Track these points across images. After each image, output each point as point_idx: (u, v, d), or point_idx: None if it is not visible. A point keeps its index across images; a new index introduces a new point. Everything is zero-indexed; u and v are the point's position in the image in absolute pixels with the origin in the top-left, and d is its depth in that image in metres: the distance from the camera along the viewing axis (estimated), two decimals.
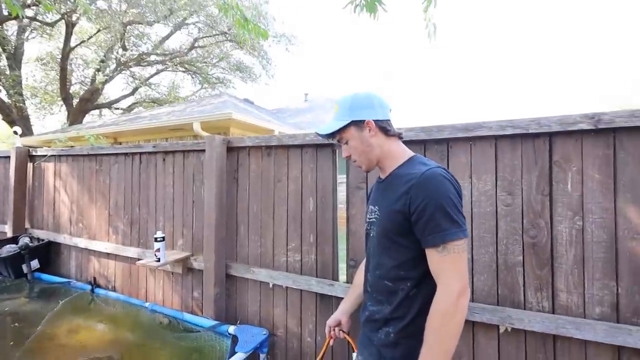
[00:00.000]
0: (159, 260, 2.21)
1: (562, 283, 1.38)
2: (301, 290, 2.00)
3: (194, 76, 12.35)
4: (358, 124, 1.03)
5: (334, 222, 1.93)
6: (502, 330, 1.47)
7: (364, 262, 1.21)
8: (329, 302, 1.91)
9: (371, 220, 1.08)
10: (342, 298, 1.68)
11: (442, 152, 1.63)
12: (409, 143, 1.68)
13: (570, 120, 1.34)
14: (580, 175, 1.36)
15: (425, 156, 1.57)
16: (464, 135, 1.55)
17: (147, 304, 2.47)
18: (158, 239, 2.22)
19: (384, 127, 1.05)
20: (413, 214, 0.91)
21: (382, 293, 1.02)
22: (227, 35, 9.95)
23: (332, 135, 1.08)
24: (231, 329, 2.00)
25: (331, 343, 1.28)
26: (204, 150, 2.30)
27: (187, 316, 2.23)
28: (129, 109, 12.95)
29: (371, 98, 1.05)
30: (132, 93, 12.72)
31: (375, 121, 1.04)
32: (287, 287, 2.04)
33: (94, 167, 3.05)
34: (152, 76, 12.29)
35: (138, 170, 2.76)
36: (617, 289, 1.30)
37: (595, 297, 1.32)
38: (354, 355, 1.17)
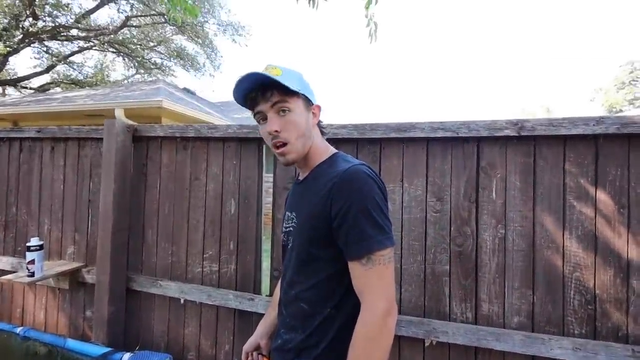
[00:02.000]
0: (32, 274, 1.74)
1: (485, 293, 1.35)
2: (218, 306, 1.72)
3: (127, 59, 10.96)
4: (307, 101, 0.82)
5: (258, 227, 1.70)
6: (427, 344, 1.39)
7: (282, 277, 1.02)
8: (249, 319, 1.67)
9: (288, 229, 0.89)
10: (263, 314, 1.46)
11: (374, 153, 1.51)
12: (340, 142, 1.54)
13: (497, 126, 1.31)
14: (504, 183, 1.34)
15: (357, 157, 1.44)
16: (397, 135, 1.45)
17: (19, 329, 1.95)
18: (32, 248, 1.74)
19: (320, 120, 0.88)
20: (335, 218, 0.74)
21: (295, 317, 0.84)
22: (166, 17, 9.01)
23: (272, 88, 0.74)
24: (126, 357, 1.64)
25: None
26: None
27: (71, 343, 1.79)
28: (42, 89, 11.00)
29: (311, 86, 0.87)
30: (47, 71, 10.82)
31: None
32: (201, 303, 1.75)
33: None
34: (73, 54, 10.58)
35: (17, 160, 2.19)
36: (533, 298, 1.29)
37: (514, 307, 1.31)
38: None
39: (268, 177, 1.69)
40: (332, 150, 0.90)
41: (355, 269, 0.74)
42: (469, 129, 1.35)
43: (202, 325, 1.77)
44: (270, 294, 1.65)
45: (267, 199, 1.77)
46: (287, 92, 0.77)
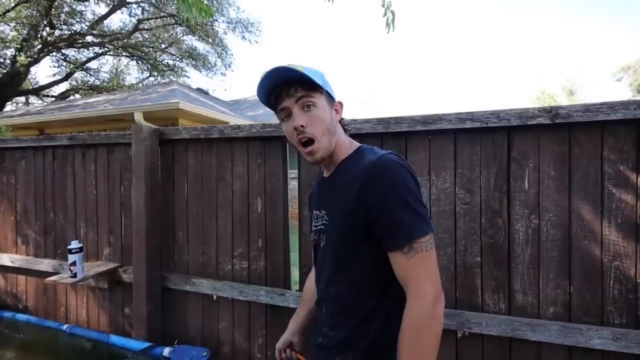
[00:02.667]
0: (75, 275, 1.84)
1: (519, 284, 1.33)
2: (249, 302, 1.78)
3: (140, 62, 11.15)
4: (330, 98, 0.83)
5: (285, 224, 1.73)
6: (460, 335, 1.40)
7: (312, 274, 1.04)
8: (280, 314, 1.72)
9: (319, 227, 0.89)
10: (294, 309, 1.50)
11: (400, 147, 1.50)
12: (365, 137, 1.53)
13: (529, 114, 1.27)
14: (537, 172, 1.31)
15: None
16: (423, 128, 1.43)
17: (65, 327, 2.08)
18: (73, 251, 1.84)
19: (342, 117, 0.88)
20: (370, 212, 0.74)
21: (337, 314, 0.84)
22: (177, 18, 9.07)
23: (296, 84, 0.75)
24: (166, 351, 1.72)
25: None
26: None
27: (114, 338, 1.90)
28: (62, 96, 11.37)
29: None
30: (66, 78, 11.14)
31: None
32: (233, 299, 1.81)
33: None
34: (89, 60, 10.84)
35: (52, 167, 2.29)
36: (570, 288, 1.27)
37: (550, 297, 1.29)
38: None
39: (293, 175, 1.71)
40: (356, 144, 0.89)
41: (398, 259, 0.73)
42: (499, 118, 1.32)
43: (235, 321, 1.83)
44: (300, 289, 1.69)
45: (293, 197, 1.80)
46: (311, 87, 0.77)
